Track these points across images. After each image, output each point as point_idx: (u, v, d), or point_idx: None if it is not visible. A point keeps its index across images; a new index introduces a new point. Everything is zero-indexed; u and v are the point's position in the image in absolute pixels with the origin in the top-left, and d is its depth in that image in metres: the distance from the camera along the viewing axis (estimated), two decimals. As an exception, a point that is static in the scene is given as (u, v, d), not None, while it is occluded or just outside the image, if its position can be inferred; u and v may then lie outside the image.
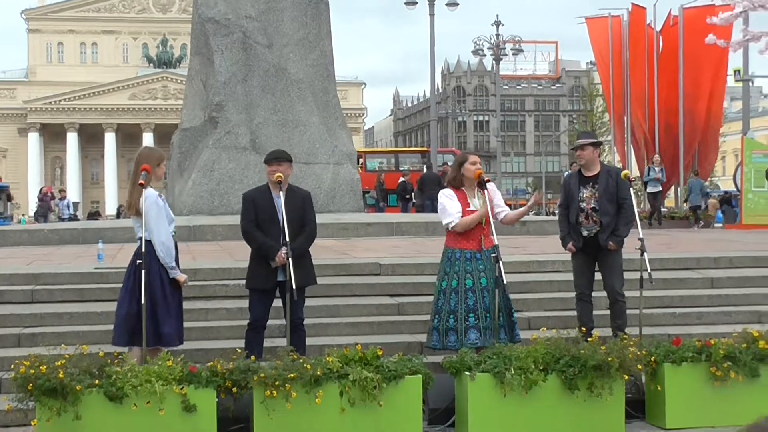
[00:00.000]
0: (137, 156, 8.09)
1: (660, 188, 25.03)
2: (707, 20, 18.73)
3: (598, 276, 9.23)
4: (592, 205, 9.02)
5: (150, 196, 7.72)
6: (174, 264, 7.76)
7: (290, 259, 7.78)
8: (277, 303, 8.36)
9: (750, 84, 30.46)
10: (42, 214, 36.19)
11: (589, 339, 7.74)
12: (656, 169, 24.65)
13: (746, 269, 11.80)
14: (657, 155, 25.53)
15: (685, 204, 26.63)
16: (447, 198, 8.41)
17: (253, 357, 7.28)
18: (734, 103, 73.85)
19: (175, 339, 7.77)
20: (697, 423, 7.58)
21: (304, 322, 8.40)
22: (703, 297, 10.77)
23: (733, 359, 7.58)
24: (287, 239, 7.89)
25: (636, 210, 8.91)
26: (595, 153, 9.19)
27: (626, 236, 8.99)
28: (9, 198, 52.70)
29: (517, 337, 8.22)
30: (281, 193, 8.19)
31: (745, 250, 13.28)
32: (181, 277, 7.81)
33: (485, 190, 8.26)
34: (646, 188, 25.43)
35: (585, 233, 9.05)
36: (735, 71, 28.58)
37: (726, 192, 33.93)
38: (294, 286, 7.75)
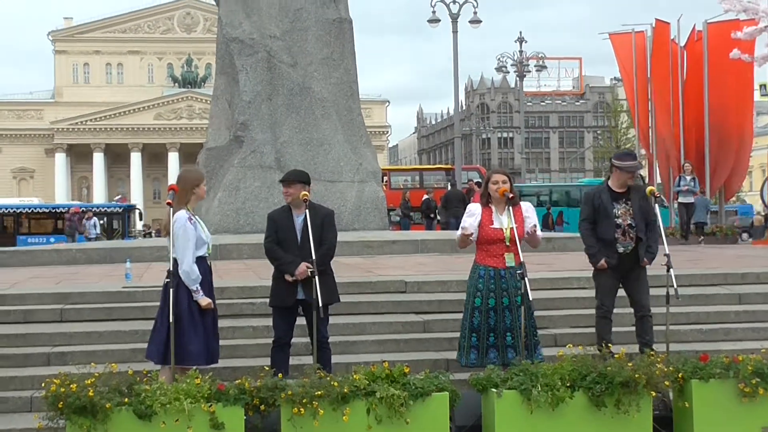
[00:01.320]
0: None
1: (692, 199, 23.12)
2: (732, 35, 18.69)
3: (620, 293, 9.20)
4: (629, 222, 8.98)
5: (180, 218, 7.79)
6: (197, 287, 7.80)
7: (316, 277, 7.83)
8: (303, 321, 8.42)
9: (776, 98, 30.34)
10: (70, 233, 36.47)
11: (615, 355, 7.72)
12: (687, 178, 22.91)
13: (774, 285, 11.73)
14: (688, 163, 23.84)
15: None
16: (469, 212, 8.51)
17: (280, 375, 7.32)
18: (760, 118, 73.51)
19: (200, 358, 7.78)
20: (725, 440, 7.54)
21: (330, 340, 8.45)
22: (731, 313, 10.72)
23: (762, 375, 7.54)
24: (313, 256, 7.96)
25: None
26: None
27: (657, 252, 8.94)
28: (140, 216, 56.68)
29: (539, 356, 8.20)
30: (300, 212, 8.31)
31: (773, 265, 13.20)
32: (203, 300, 7.81)
33: (512, 208, 8.30)
34: (677, 198, 23.68)
35: (621, 250, 8.98)
36: (760, 86, 28.50)
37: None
38: (320, 304, 7.81)
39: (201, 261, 7.89)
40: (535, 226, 8.45)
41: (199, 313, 7.79)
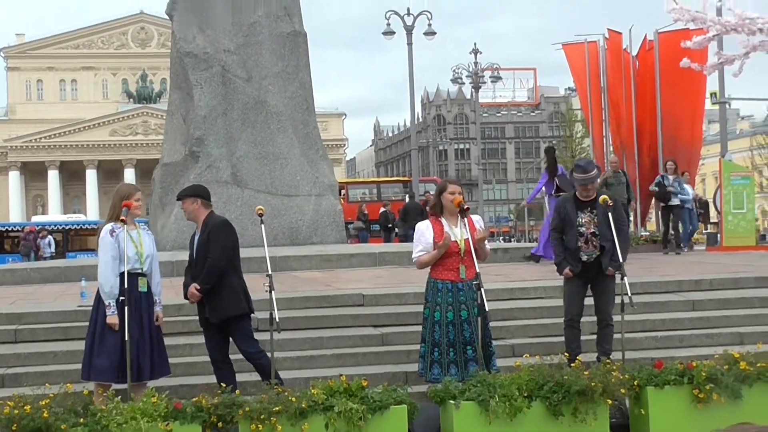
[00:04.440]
0: None
1: (677, 201, 20.51)
2: (681, 44, 18.90)
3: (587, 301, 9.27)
4: (592, 230, 9.04)
5: (102, 231, 7.86)
6: (109, 302, 7.72)
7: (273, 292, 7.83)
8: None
9: (727, 106, 30.68)
10: (25, 253, 36.07)
11: (572, 365, 7.78)
12: (670, 178, 20.48)
13: (727, 291, 11.87)
14: (671, 162, 21.31)
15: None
16: (419, 232, 8.39)
17: (237, 391, 7.29)
18: (712, 126, 74.42)
19: (104, 374, 7.70)
20: (681, 445, 7.62)
21: (288, 355, 8.48)
22: (685, 320, 10.83)
23: (715, 381, 7.64)
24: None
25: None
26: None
27: (624, 261, 8.99)
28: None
29: (493, 367, 8.22)
30: (198, 229, 8.39)
31: (726, 272, 13.36)
32: (110, 318, 7.70)
33: (466, 219, 8.28)
34: (658, 200, 21.32)
35: (585, 258, 9.06)
36: (711, 94, 28.81)
37: None
38: (277, 319, 7.83)
39: (130, 276, 7.77)
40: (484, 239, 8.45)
41: (109, 329, 7.73)
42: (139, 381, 7.76)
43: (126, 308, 7.61)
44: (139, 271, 7.86)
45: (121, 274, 7.70)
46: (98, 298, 7.82)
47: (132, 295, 7.76)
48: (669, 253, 20.12)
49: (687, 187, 21.32)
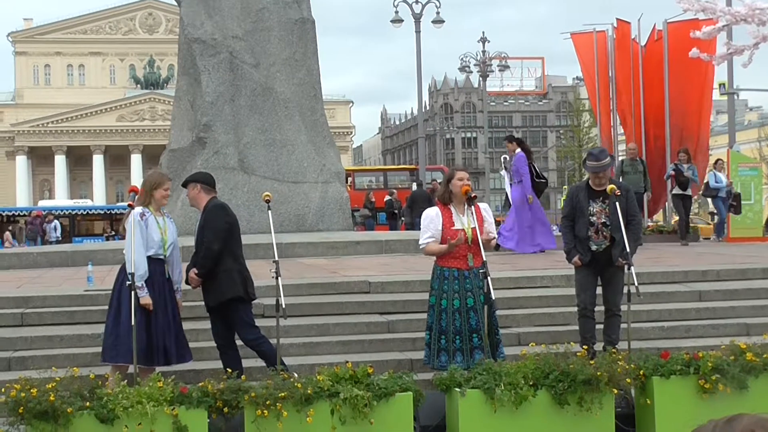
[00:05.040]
0: None
1: (690, 192, 20.06)
2: (690, 34, 18.82)
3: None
4: (603, 220, 8.99)
5: (132, 215, 7.91)
6: (141, 284, 7.82)
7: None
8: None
9: (735, 97, 30.58)
10: (32, 237, 36.14)
11: (578, 353, 7.77)
12: (684, 167, 19.64)
13: (733, 282, 11.86)
14: (683, 151, 20.63)
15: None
16: (428, 218, 8.41)
17: (243, 377, 7.31)
18: (720, 117, 74.26)
19: (129, 356, 7.79)
20: (686, 436, 7.60)
21: (294, 341, 8.52)
22: (691, 310, 10.82)
23: (721, 371, 7.63)
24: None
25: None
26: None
27: (635, 253, 8.94)
28: None
29: (500, 355, 8.22)
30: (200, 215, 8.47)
31: (733, 263, 13.35)
32: (144, 300, 7.85)
33: (473, 207, 8.29)
34: (673, 189, 20.46)
35: (594, 248, 9.00)
36: (720, 84, 28.72)
37: None
38: (283, 305, 7.85)
39: (150, 261, 7.89)
40: (492, 232, 8.50)
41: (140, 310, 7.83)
42: (167, 365, 7.85)
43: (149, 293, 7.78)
44: (162, 257, 7.96)
45: (147, 258, 7.84)
46: (120, 282, 7.86)
47: (156, 280, 7.86)
48: (689, 244, 19.38)
49: (721, 175, 21.13)
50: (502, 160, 16.81)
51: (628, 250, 8.49)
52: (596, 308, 9.21)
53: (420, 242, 8.42)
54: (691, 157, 20.94)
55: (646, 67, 26.21)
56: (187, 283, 8.37)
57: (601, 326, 9.26)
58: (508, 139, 16.70)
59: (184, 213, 18.08)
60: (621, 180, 18.47)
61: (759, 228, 22.94)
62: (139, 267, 7.80)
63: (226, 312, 8.29)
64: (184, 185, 8.61)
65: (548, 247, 15.51)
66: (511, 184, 16.08)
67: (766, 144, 70.42)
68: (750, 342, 8.17)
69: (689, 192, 20.08)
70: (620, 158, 21.07)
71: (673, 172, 19.98)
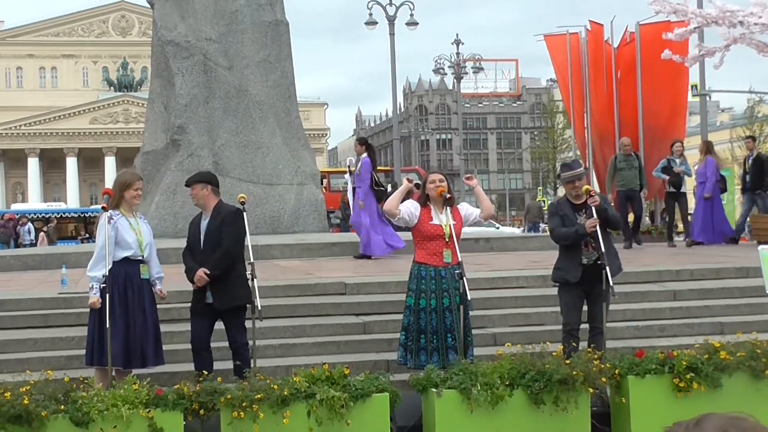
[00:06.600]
0: None
1: (684, 189, 18.54)
2: (663, 36, 18.94)
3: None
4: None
5: (101, 218, 7.91)
6: (92, 284, 7.82)
7: (255, 280, 7.83)
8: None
9: (707, 98, 30.77)
10: (5, 240, 35.88)
11: (553, 353, 7.79)
12: (677, 161, 18.11)
13: (707, 281, 11.94)
14: (678, 142, 18.92)
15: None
16: (412, 203, 8.61)
17: (219, 378, 7.29)
18: (692, 118, 74.67)
19: (115, 359, 7.78)
20: (661, 434, 7.64)
21: (270, 343, 8.47)
22: (666, 309, 10.89)
23: (696, 370, 7.68)
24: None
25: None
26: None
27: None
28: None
29: (470, 357, 8.22)
30: (207, 215, 8.44)
31: (706, 262, 13.44)
32: (91, 299, 7.84)
33: (451, 207, 8.41)
34: (669, 185, 18.33)
35: (585, 261, 8.88)
36: (692, 86, 28.89)
37: None
38: (259, 307, 7.84)
39: (127, 263, 7.86)
40: (482, 212, 8.72)
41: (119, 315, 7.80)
42: (143, 367, 7.83)
43: (127, 295, 7.77)
44: (140, 258, 7.93)
45: (124, 260, 7.79)
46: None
47: (134, 282, 7.82)
48: (677, 246, 18.28)
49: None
50: (348, 162, 16.67)
51: (610, 279, 8.37)
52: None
53: (385, 206, 8.63)
54: (684, 149, 19.03)
55: (618, 69, 26.34)
56: (190, 281, 8.30)
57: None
58: (360, 141, 16.36)
59: (158, 215, 18.02)
60: (615, 177, 18.44)
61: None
62: (92, 268, 7.83)
63: (232, 316, 8.25)
64: (189, 184, 8.55)
65: (398, 246, 15.47)
66: (353, 188, 15.92)
67: (737, 145, 70.94)
68: (724, 341, 8.23)
69: (684, 189, 18.60)
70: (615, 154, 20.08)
71: (665, 176, 18.34)
